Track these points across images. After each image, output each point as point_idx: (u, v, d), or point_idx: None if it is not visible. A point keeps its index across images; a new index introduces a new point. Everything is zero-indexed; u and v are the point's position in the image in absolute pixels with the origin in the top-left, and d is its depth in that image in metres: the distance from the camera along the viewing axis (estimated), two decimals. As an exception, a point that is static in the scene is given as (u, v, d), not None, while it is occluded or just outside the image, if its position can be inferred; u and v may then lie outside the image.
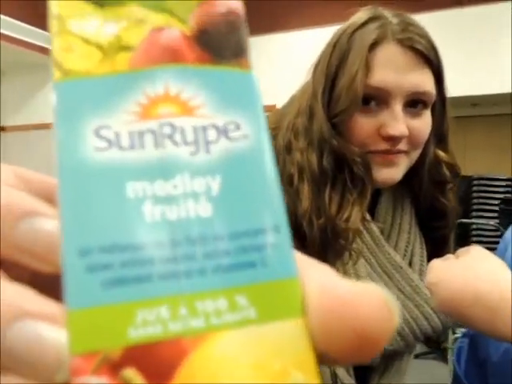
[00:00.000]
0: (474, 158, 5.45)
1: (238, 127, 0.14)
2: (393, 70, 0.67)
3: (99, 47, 0.14)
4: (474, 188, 4.90)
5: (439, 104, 0.74)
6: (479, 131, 5.49)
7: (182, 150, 0.14)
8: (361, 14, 0.73)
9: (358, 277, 0.72)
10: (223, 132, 0.14)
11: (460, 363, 0.84)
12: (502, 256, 0.72)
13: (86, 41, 0.14)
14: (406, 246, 0.77)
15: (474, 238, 4.59)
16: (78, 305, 0.12)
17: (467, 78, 4.47)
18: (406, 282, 0.75)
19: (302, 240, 0.68)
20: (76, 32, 0.14)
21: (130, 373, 0.12)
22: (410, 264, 0.77)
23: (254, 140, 0.14)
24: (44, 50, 5.73)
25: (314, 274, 0.14)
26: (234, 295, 0.13)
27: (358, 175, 0.69)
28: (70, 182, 0.13)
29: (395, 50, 0.68)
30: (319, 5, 5.07)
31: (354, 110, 0.68)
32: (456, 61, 4.51)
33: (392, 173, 0.71)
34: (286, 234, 0.14)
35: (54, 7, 0.14)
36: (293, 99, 0.80)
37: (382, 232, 0.77)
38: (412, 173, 0.75)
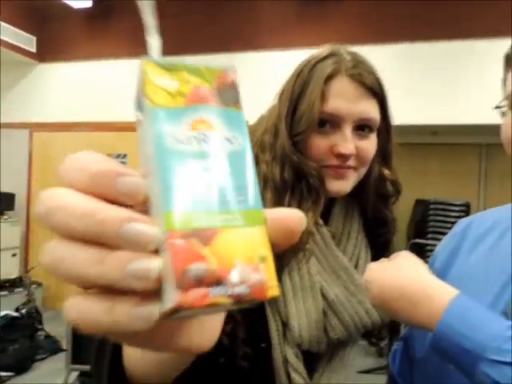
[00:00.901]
0: (433, 182, 5.72)
1: (236, 139, 0.29)
2: (344, 99, 0.80)
3: (169, 93, 0.28)
4: (431, 211, 5.18)
5: (384, 129, 0.87)
6: (438, 158, 5.76)
7: (210, 147, 0.28)
8: (321, 50, 0.86)
9: (309, 274, 0.81)
10: (229, 140, 0.28)
11: (395, 364, 0.95)
12: (431, 266, 0.83)
13: (163, 89, 0.28)
14: (354, 250, 0.88)
15: (429, 258, 4.56)
16: (171, 208, 0.26)
17: (430, 108, 4.74)
18: (350, 281, 0.84)
19: None
20: (157, 83, 0.28)
21: None
22: (357, 265, 0.87)
23: (244, 146, 0.29)
24: None
25: (269, 210, 0.29)
26: (236, 214, 0.27)
27: (313, 186, 0.81)
28: (162, 159, 0.27)
29: (347, 83, 0.81)
30: (296, 28, 5.29)
31: (311, 131, 0.80)
32: (420, 92, 4.83)
33: (342, 185, 0.83)
34: (257, 192, 0.28)
35: (145, 68, 0.29)
36: (261, 119, 0.91)
37: (333, 237, 0.87)
38: (361, 187, 0.87)
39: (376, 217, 0.91)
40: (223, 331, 0.55)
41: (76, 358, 2.78)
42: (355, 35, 5.00)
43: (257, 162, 0.84)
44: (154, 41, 0.31)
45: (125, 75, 5.70)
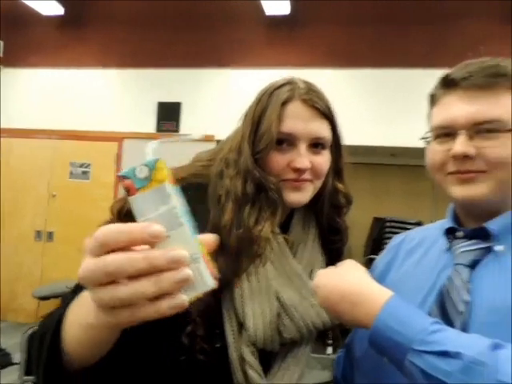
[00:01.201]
0: (391, 201, 5.98)
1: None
2: (299, 120, 0.90)
3: (155, 180, 0.47)
4: (387, 229, 5.39)
5: (335, 147, 0.97)
6: (397, 178, 6.00)
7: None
8: (279, 80, 0.96)
9: (266, 278, 0.88)
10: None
11: (339, 368, 1.05)
12: (377, 279, 0.92)
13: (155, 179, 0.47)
14: (310, 257, 0.95)
15: None
16: None
17: (389, 131, 4.97)
18: (302, 286, 0.91)
19: (222, 247, 0.83)
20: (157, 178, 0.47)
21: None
22: (312, 271, 0.93)
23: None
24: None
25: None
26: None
27: (272, 198, 0.89)
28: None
29: (300, 106, 0.91)
30: (267, 49, 5.46)
31: (270, 149, 0.89)
32: (381, 116, 5.07)
33: (300, 196, 0.91)
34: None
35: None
36: (227, 139, 0.98)
37: (292, 244, 0.95)
38: (317, 199, 0.96)
39: (330, 226, 0.99)
40: (184, 331, 0.78)
41: (30, 370, 2.67)
42: (322, 59, 5.26)
43: (221, 176, 0.91)
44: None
45: (91, 85, 5.72)
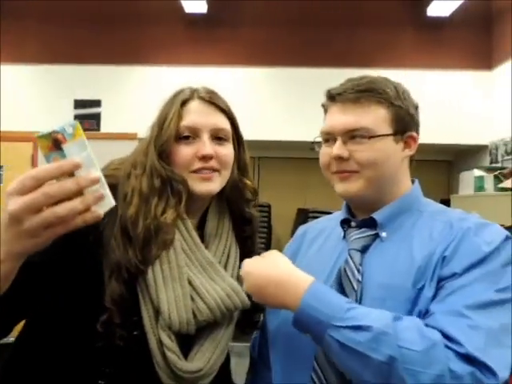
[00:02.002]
0: (314, 194, 5.95)
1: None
2: (198, 115, 1.01)
3: (77, 135, 0.68)
4: (310, 220, 5.36)
5: (237, 144, 1.08)
6: (318, 172, 4.76)
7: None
8: (182, 87, 1.07)
9: (178, 266, 0.95)
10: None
11: (255, 349, 1.20)
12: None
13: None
14: (224, 247, 1.05)
15: None
16: None
17: (307, 126, 5.01)
18: (215, 273, 0.99)
19: (129, 239, 0.93)
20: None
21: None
22: (228, 259, 1.04)
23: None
24: None
25: None
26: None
27: (177, 189, 0.98)
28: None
29: (199, 103, 1.03)
30: (186, 47, 5.46)
31: (171, 143, 0.99)
32: (299, 112, 5.24)
33: (208, 186, 1.00)
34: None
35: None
36: (141, 143, 1.06)
37: (209, 236, 1.05)
38: (228, 193, 1.06)
39: (242, 217, 1.09)
40: (99, 320, 0.89)
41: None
42: (240, 58, 5.48)
43: (129, 177, 1.00)
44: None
45: (2, 81, 5.36)
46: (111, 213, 0.89)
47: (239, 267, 1.02)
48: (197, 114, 1.01)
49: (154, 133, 1.02)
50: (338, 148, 0.98)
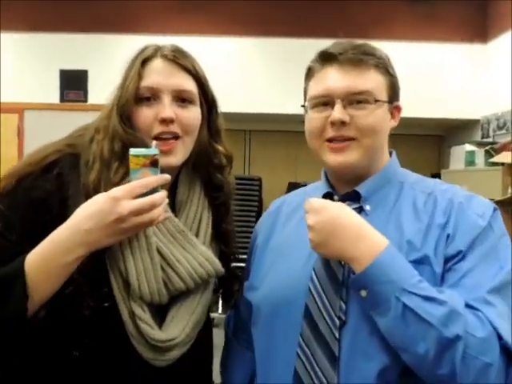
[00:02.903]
0: (305, 167, 5.79)
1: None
2: (159, 74, 0.96)
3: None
4: None
5: (207, 107, 1.02)
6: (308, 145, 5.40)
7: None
8: (147, 45, 1.01)
9: (145, 236, 0.92)
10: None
11: (230, 327, 1.17)
12: (254, 241, 1.12)
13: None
14: (196, 213, 1.02)
15: None
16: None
17: (298, 99, 5.04)
18: (186, 242, 0.97)
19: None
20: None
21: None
22: (199, 226, 1.02)
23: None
24: None
25: None
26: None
27: None
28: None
29: (161, 62, 0.97)
30: (175, 15, 5.30)
31: (132, 104, 0.95)
32: (290, 84, 4.98)
33: (168, 159, 0.95)
34: None
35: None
36: (104, 108, 1.01)
37: (180, 203, 1.02)
38: (199, 159, 1.03)
39: (213, 183, 1.06)
40: (65, 293, 0.87)
41: None
42: (233, 27, 5.34)
43: (92, 142, 0.97)
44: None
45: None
46: (74, 183, 0.92)
47: (212, 234, 1.02)
48: (158, 74, 0.97)
49: (117, 95, 0.98)
50: (339, 112, 0.91)
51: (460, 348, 0.78)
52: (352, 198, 0.96)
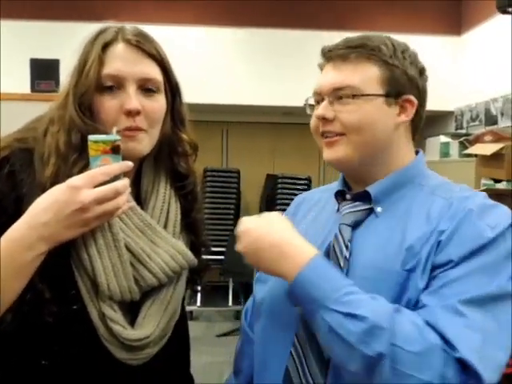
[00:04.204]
0: (283, 159, 6.12)
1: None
2: (122, 61, 0.89)
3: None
4: (279, 185, 5.61)
5: (171, 93, 0.97)
6: (288, 137, 6.15)
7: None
8: (106, 25, 0.95)
9: (111, 233, 0.87)
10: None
11: (247, 319, 1.15)
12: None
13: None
14: (163, 203, 0.97)
15: None
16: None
17: (281, 90, 5.08)
18: (155, 235, 0.93)
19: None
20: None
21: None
22: (168, 217, 0.97)
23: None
24: None
25: None
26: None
27: None
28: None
29: (124, 47, 0.90)
30: (155, 2, 5.14)
31: (92, 93, 0.87)
32: (273, 75, 5.14)
33: (135, 147, 0.90)
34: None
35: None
36: (58, 96, 0.94)
37: (145, 193, 0.97)
38: (162, 147, 0.98)
39: (178, 172, 1.01)
40: (26, 299, 0.82)
41: None
42: (215, 18, 5.25)
43: (46, 134, 0.89)
44: None
45: None
46: (28, 180, 0.86)
47: (181, 225, 0.98)
48: (121, 61, 0.90)
49: (73, 81, 0.90)
50: (322, 108, 0.91)
51: (386, 365, 0.72)
52: (362, 198, 0.93)
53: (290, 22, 5.23)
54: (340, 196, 0.98)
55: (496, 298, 0.77)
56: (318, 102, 0.94)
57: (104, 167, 0.81)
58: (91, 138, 0.82)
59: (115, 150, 0.83)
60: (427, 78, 0.97)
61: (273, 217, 0.90)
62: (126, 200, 0.83)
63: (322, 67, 0.97)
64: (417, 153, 0.98)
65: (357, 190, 0.95)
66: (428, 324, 0.75)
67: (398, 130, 0.93)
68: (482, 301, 0.76)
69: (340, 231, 0.91)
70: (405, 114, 0.93)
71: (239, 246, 0.88)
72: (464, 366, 0.72)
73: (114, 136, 0.84)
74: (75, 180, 0.79)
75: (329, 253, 0.91)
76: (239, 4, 5.25)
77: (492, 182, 3.53)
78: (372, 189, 0.92)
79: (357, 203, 0.93)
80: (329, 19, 5.22)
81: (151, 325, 0.91)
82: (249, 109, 5.59)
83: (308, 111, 0.98)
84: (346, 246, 0.89)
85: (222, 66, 5.15)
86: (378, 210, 0.91)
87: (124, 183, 0.82)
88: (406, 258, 0.83)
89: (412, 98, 0.92)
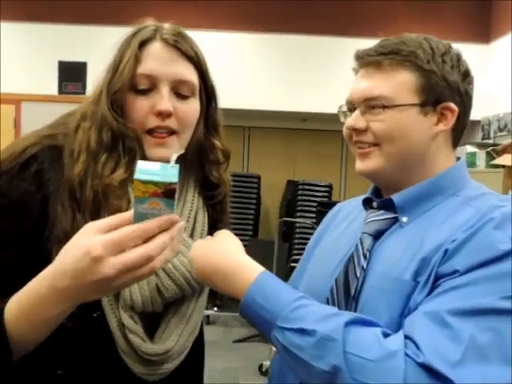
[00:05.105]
0: (304, 165, 6.13)
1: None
2: (158, 61, 0.86)
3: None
4: (299, 192, 5.60)
5: (206, 97, 0.93)
6: (307, 143, 6.18)
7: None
8: (145, 23, 0.91)
9: None
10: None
11: None
12: (313, 245, 1.06)
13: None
14: (190, 211, 0.93)
15: (297, 235, 5.27)
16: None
17: (300, 97, 5.13)
18: (181, 244, 0.84)
19: (77, 204, 0.82)
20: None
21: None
22: (194, 226, 0.93)
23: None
24: None
25: None
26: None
27: (129, 146, 0.85)
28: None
29: (161, 46, 0.87)
30: (170, 8, 5.15)
31: (125, 91, 0.85)
32: (293, 81, 5.17)
33: (164, 152, 0.85)
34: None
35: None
36: (92, 91, 0.92)
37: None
38: (194, 154, 0.94)
39: (209, 181, 0.97)
40: None
41: None
42: (231, 22, 5.33)
43: (77, 130, 0.87)
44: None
45: None
46: (56, 178, 0.83)
47: (208, 234, 0.93)
48: (157, 60, 0.86)
49: (108, 77, 0.88)
50: (353, 118, 0.87)
51: (346, 377, 0.68)
52: (387, 206, 0.88)
53: (312, 28, 5.23)
54: (367, 204, 0.95)
55: (496, 312, 0.71)
56: (351, 110, 0.91)
57: (138, 228, 0.64)
58: (139, 176, 0.63)
59: (169, 194, 0.64)
60: (472, 81, 0.91)
61: (219, 238, 0.87)
62: (163, 261, 0.66)
63: (355, 72, 0.93)
64: (458, 160, 0.92)
65: (384, 197, 0.92)
66: (404, 331, 0.71)
67: (436, 139, 0.87)
68: (478, 312, 0.70)
69: (361, 240, 0.88)
70: (444, 122, 0.87)
71: (194, 274, 0.86)
72: (432, 373, 0.66)
73: (170, 173, 0.65)
74: (95, 245, 0.63)
75: (348, 262, 0.88)
76: (261, 10, 5.27)
77: (520, 194, 3.45)
78: (396, 197, 0.87)
79: (381, 212, 0.89)
80: (351, 25, 5.20)
81: (171, 339, 0.87)
82: (270, 114, 5.59)
83: (341, 119, 0.94)
84: (364, 256, 0.86)
85: (245, 72, 5.18)
86: (404, 219, 0.86)
87: (164, 240, 0.65)
88: (420, 269, 0.78)
89: (452, 105, 0.86)
